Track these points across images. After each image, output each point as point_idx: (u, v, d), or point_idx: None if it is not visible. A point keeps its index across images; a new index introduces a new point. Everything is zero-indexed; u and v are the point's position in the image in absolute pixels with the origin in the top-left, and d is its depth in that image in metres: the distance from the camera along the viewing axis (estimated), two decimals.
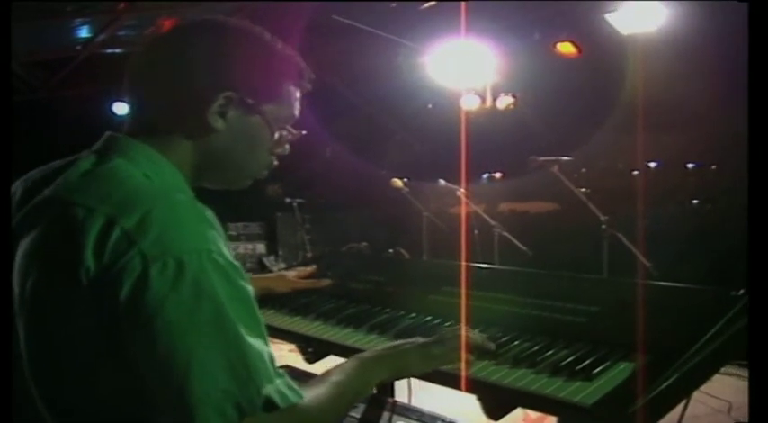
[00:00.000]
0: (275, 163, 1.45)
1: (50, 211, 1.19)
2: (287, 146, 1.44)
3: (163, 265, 1.08)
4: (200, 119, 1.29)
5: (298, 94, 1.42)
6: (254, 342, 1.14)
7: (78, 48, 8.15)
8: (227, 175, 1.40)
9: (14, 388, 1.24)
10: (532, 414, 3.54)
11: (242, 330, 1.13)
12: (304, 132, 1.46)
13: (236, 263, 1.18)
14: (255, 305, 1.18)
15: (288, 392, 1.17)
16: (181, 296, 1.08)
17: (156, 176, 1.25)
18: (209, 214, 1.19)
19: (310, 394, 1.24)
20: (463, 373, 1.51)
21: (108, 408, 1.17)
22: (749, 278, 1.34)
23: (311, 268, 2.29)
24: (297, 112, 1.42)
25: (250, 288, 1.18)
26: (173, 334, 1.08)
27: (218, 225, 1.19)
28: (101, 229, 1.11)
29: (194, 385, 1.08)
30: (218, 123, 1.30)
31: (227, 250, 1.17)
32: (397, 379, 1.57)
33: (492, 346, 1.59)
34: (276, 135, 1.39)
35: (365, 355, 1.48)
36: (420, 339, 1.55)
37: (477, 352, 1.57)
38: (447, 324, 1.78)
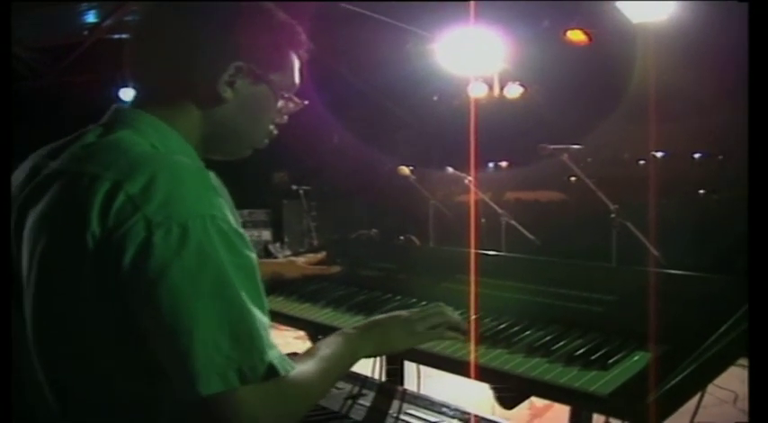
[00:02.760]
0: (275, 132, 1.46)
1: (57, 181, 1.19)
2: (285, 116, 1.46)
3: (167, 230, 1.09)
4: (210, 89, 1.31)
5: (297, 63, 1.43)
6: (256, 310, 1.15)
7: (85, 33, 8.13)
8: (231, 145, 1.42)
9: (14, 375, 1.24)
10: (538, 403, 3.56)
11: (245, 297, 1.13)
12: (306, 102, 1.47)
13: (241, 230, 1.18)
14: (258, 274, 1.19)
15: (283, 362, 1.17)
16: (184, 262, 1.09)
17: (162, 146, 1.26)
18: (216, 181, 1.20)
19: (301, 367, 1.25)
20: (472, 361, 1.50)
21: (111, 382, 1.18)
22: (749, 274, 1.33)
23: (321, 255, 2.27)
24: (297, 81, 1.44)
25: (254, 256, 1.19)
26: (176, 300, 1.08)
27: (224, 192, 1.20)
28: (106, 193, 1.12)
29: (198, 351, 1.08)
30: (228, 93, 1.32)
31: (232, 217, 1.17)
32: (381, 354, 1.68)
33: (464, 326, 1.62)
34: (279, 104, 1.41)
35: (349, 330, 1.50)
36: (404, 313, 1.58)
37: (460, 332, 1.60)
38: (459, 312, 1.76)
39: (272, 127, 1.44)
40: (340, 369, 1.40)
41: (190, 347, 1.08)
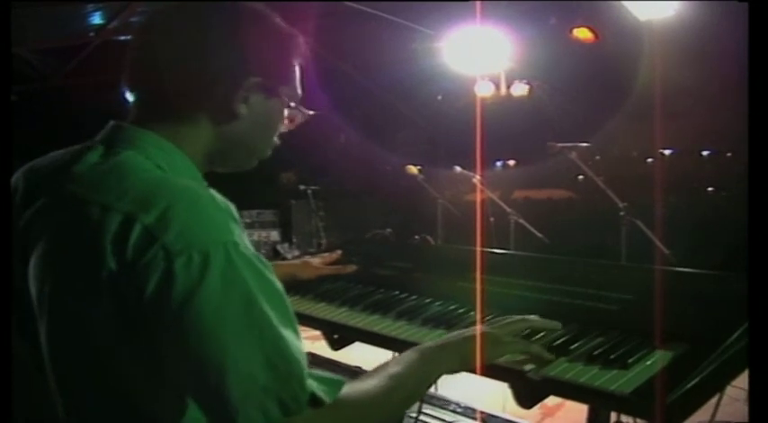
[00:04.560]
0: (278, 142, 1.42)
1: (64, 210, 1.14)
2: (290, 125, 1.42)
3: (188, 258, 1.04)
4: (225, 106, 1.26)
5: (299, 73, 1.40)
6: (289, 335, 1.09)
7: (91, 35, 8.13)
8: (239, 159, 1.37)
9: (34, 402, 1.22)
10: (549, 402, 3.56)
11: (276, 323, 1.08)
12: (311, 112, 1.44)
13: (262, 257, 1.13)
14: (287, 299, 1.13)
15: (327, 387, 1.12)
16: (209, 290, 1.03)
17: (168, 167, 1.20)
18: (231, 207, 1.15)
19: (363, 387, 1.20)
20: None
21: (138, 415, 1.14)
22: (749, 278, 1.32)
23: (336, 254, 2.25)
24: (300, 91, 1.40)
25: (279, 283, 1.14)
26: (203, 331, 1.03)
27: (238, 217, 1.15)
28: (119, 226, 1.06)
29: (232, 385, 1.03)
30: (243, 109, 1.27)
31: (248, 243, 1.13)
32: (465, 369, 1.41)
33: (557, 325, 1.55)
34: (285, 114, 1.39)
35: (426, 344, 1.40)
36: (489, 328, 1.48)
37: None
38: (472, 312, 1.75)
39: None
40: (412, 388, 1.30)
41: (222, 381, 1.02)
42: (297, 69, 1.37)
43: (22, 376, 1.22)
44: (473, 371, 1.43)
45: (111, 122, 1.27)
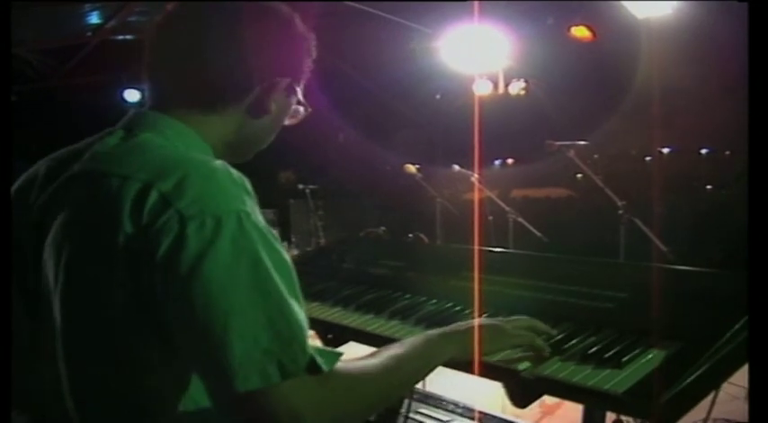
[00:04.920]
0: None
1: (84, 184, 1.18)
2: (294, 119, 1.46)
3: (201, 223, 1.07)
4: (261, 103, 1.32)
5: None
6: (294, 304, 1.11)
7: (89, 34, 8.13)
8: (248, 152, 1.41)
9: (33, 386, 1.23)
10: (549, 401, 3.55)
11: (283, 290, 1.09)
12: (309, 109, 1.46)
13: (272, 230, 1.16)
14: (294, 272, 1.15)
15: (325, 358, 1.12)
16: (219, 254, 1.06)
17: (185, 148, 1.24)
18: (246, 182, 1.18)
19: (362, 362, 1.22)
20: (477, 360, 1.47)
21: (142, 387, 1.15)
22: (749, 275, 1.31)
23: None
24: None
25: (287, 256, 1.15)
26: (211, 292, 1.05)
27: (254, 194, 1.18)
28: (137, 194, 1.10)
29: (234, 345, 1.04)
30: (273, 107, 1.33)
31: (262, 218, 1.15)
32: (465, 358, 1.43)
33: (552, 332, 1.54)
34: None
35: (432, 331, 1.43)
36: (492, 320, 1.52)
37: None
38: (467, 311, 1.74)
39: None
40: (412, 371, 1.32)
41: (225, 341, 1.04)
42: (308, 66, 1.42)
43: (25, 359, 1.23)
44: (470, 367, 1.45)
45: (132, 109, 1.32)
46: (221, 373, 1.05)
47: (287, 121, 1.43)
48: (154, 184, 1.10)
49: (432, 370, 1.38)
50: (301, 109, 1.44)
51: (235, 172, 1.18)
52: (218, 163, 1.18)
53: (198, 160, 1.17)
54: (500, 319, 1.55)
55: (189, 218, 1.07)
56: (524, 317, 1.56)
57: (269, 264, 1.09)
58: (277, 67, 1.32)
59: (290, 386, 1.07)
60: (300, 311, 1.11)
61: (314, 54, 1.41)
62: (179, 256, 1.05)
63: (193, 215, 1.07)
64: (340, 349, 1.19)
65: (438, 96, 9.98)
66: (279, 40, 1.33)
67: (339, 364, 1.15)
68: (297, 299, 1.12)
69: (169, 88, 1.31)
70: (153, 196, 1.09)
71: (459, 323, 1.48)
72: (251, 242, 1.09)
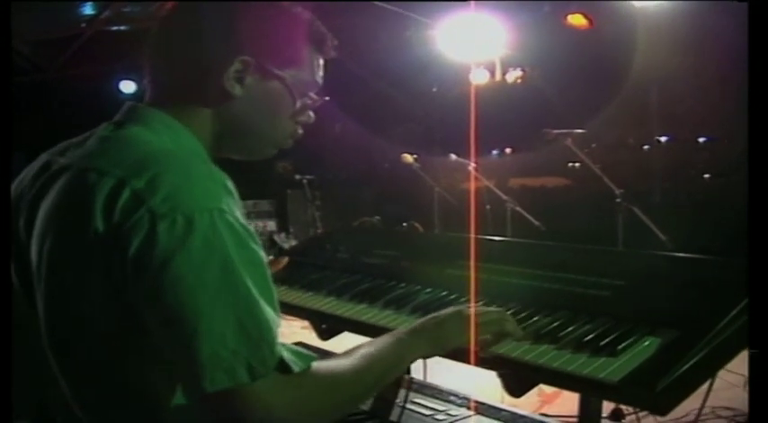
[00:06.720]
0: (300, 132, 1.43)
1: (65, 176, 1.18)
2: (311, 114, 1.42)
3: (172, 221, 1.06)
4: (218, 85, 1.28)
5: (320, 61, 1.41)
6: (264, 304, 1.11)
7: (83, 25, 8.09)
8: (249, 144, 1.39)
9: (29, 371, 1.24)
10: (547, 389, 3.54)
11: (253, 291, 1.09)
12: (327, 98, 1.44)
13: (250, 228, 1.15)
14: (268, 271, 1.15)
15: (298, 359, 1.13)
16: (189, 253, 1.06)
17: (174, 144, 1.24)
18: (228, 182, 1.17)
19: (333, 363, 1.22)
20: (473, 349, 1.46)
21: (120, 376, 1.16)
22: (749, 263, 1.30)
23: (283, 261, 2.15)
24: (320, 79, 1.41)
25: (263, 254, 1.15)
26: (180, 291, 1.05)
27: (235, 192, 1.17)
28: (111, 190, 1.10)
29: (202, 345, 1.04)
30: (236, 89, 1.29)
31: (240, 215, 1.14)
32: (438, 353, 1.44)
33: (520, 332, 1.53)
34: (299, 102, 1.37)
35: (401, 328, 1.43)
36: (460, 307, 1.50)
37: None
38: (462, 300, 1.73)
39: (297, 126, 1.42)
40: (383, 370, 1.31)
41: (193, 341, 1.04)
42: (309, 54, 1.38)
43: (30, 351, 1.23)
44: (451, 355, 1.46)
45: (128, 103, 1.32)
46: (190, 372, 1.06)
47: (300, 118, 1.40)
48: (128, 180, 1.10)
49: (405, 367, 1.40)
50: (310, 102, 1.40)
51: (215, 168, 1.18)
52: (199, 159, 1.19)
53: (177, 156, 1.17)
54: (467, 306, 1.54)
55: (160, 216, 1.07)
56: (496, 309, 1.56)
57: (239, 263, 1.09)
58: (233, 47, 1.28)
59: (260, 387, 1.08)
60: (271, 311, 1.11)
61: (311, 37, 1.38)
62: (149, 254, 1.05)
63: (165, 214, 1.07)
64: (335, 338, 1.19)
65: (434, 89, 9.94)
66: (236, 19, 1.29)
67: (312, 364, 1.16)
68: (269, 299, 1.12)
69: (154, 83, 1.33)
70: (126, 193, 1.09)
71: (428, 317, 1.46)
72: (222, 242, 1.08)
